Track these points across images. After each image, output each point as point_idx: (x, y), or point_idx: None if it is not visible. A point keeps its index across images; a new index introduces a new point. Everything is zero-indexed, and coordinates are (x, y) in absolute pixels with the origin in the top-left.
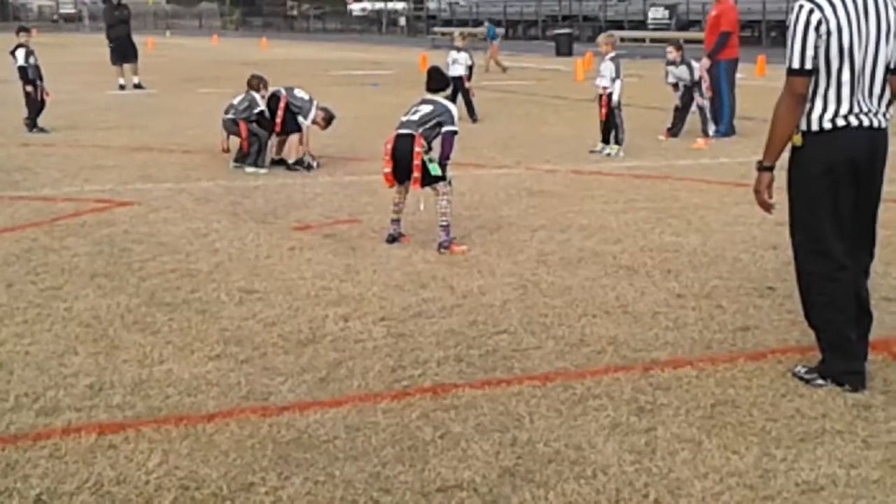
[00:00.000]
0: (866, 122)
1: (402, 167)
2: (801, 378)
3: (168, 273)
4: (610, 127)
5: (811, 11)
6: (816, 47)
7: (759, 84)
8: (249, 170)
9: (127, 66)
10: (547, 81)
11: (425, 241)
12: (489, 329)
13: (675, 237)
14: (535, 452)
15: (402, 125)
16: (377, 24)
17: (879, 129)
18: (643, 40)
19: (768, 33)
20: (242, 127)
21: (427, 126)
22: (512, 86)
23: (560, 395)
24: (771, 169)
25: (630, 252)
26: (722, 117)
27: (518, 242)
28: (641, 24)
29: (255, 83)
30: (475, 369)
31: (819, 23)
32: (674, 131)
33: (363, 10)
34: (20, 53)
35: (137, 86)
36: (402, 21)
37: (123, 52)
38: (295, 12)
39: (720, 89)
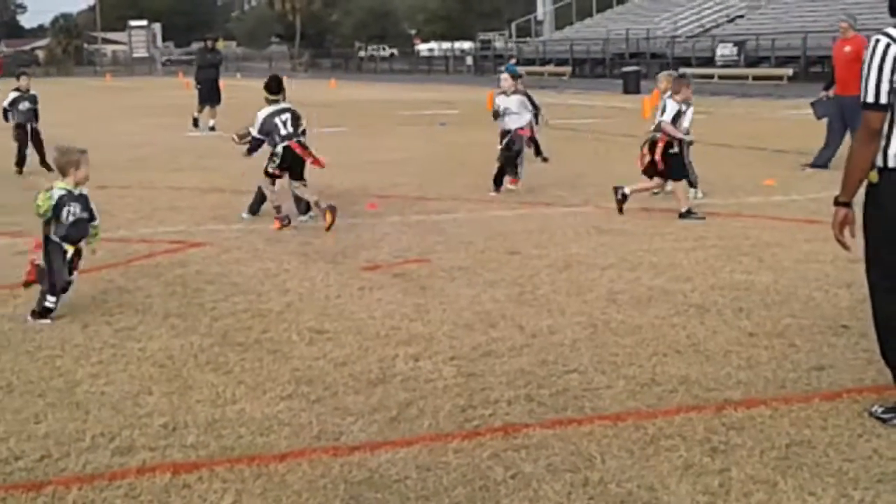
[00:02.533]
0: None
1: None
2: (878, 418)
3: (240, 313)
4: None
5: (888, 46)
6: (892, 82)
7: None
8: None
9: (207, 109)
10: (614, 119)
11: (493, 281)
12: (559, 368)
13: (747, 275)
14: (608, 493)
15: None
16: (444, 64)
17: None
18: (711, 77)
19: None
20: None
21: None
22: (579, 124)
23: (632, 435)
24: (847, 205)
25: (700, 290)
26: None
27: (587, 281)
28: (710, 62)
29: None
30: (546, 409)
31: None
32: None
33: (430, 50)
34: (11, 95)
35: (212, 128)
36: (469, 60)
37: (209, 94)
38: (363, 53)
39: (842, 123)
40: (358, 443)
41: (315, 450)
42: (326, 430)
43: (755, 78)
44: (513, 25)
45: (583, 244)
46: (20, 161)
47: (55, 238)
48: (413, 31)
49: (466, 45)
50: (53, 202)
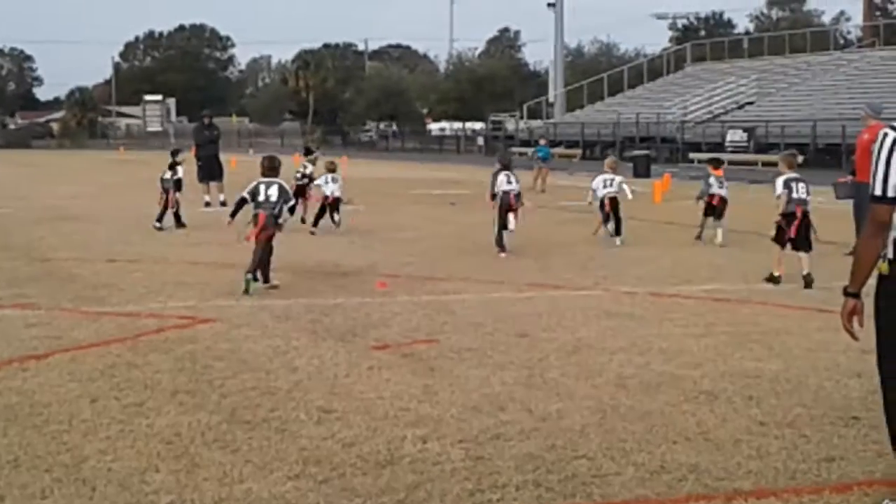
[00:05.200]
0: None
1: None
2: None
3: (248, 391)
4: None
5: (895, 140)
6: None
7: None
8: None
9: (213, 185)
10: (624, 203)
11: (502, 363)
12: (568, 454)
13: (757, 363)
14: None
15: None
16: (455, 144)
17: None
18: (722, 162)
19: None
20: None
21: None
22: (588, 206)
23: None
24: (856, 295)
25: (710, 377)
26: None
27: (597, 365)
28: (719, 147)
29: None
30: (554, 494)
31: None
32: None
33: (441, 129)
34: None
35: (223, 203)
36: (480, 141)
37: (210, 170)
38: (373, 133)
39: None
40: None
41: None
42: None
43: (765, 164)
44: (524, 107)
45: (592, 328)
46: None
47: None
48: (425, 111)
49: (478, 125)
50: None
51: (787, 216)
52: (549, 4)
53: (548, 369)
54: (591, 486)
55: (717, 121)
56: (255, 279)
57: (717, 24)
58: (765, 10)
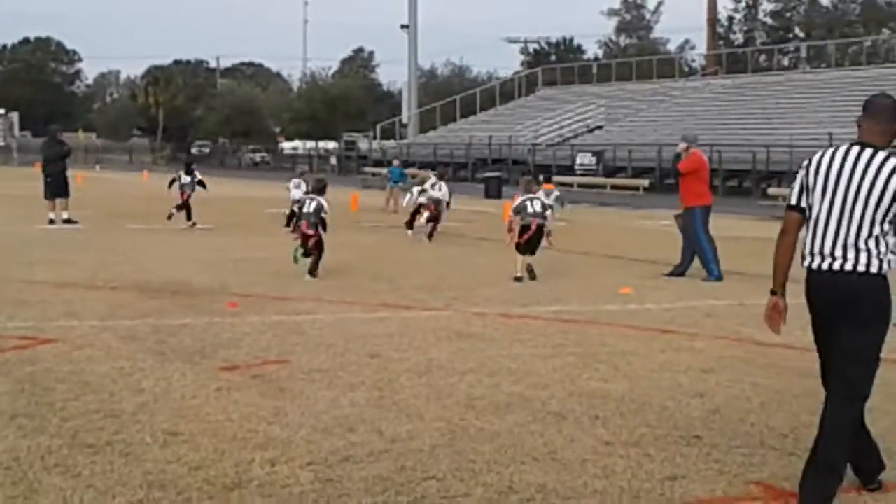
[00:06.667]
0: None
1: None
2: None
3: (91, 413)
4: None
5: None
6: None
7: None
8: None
9: (59, 201)
10: (475, 223)
11: (353, 384)
12: (418, 475)
13: (603, 383)
14: None
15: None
16: (308, 163)
17: None
18: (571, 185)
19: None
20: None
21: None
22: (441, 227)
23: None
24: (775, 293)
25: (558, 398)
26: (707, 263)
27: (447, 386)
28: (570, 169)
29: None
30: None
31: None
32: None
33: (294, 148)
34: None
35: (67, 220)
36: (333, 160)
37: (58, 187)
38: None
39: (697, 236)
40: None
41: None
42: None
43: (613, 187)
44: (378, 127)
45: (443, 348)
46: None
47: None
48: (278, 129)
49: (331, 144)
50: None
51: (524, 228)
52: (402, 26)
53: (398, 390)
54: None
55: (568, 144)
56: (313, 274)
57: (567, 49)
58: (613, 37)
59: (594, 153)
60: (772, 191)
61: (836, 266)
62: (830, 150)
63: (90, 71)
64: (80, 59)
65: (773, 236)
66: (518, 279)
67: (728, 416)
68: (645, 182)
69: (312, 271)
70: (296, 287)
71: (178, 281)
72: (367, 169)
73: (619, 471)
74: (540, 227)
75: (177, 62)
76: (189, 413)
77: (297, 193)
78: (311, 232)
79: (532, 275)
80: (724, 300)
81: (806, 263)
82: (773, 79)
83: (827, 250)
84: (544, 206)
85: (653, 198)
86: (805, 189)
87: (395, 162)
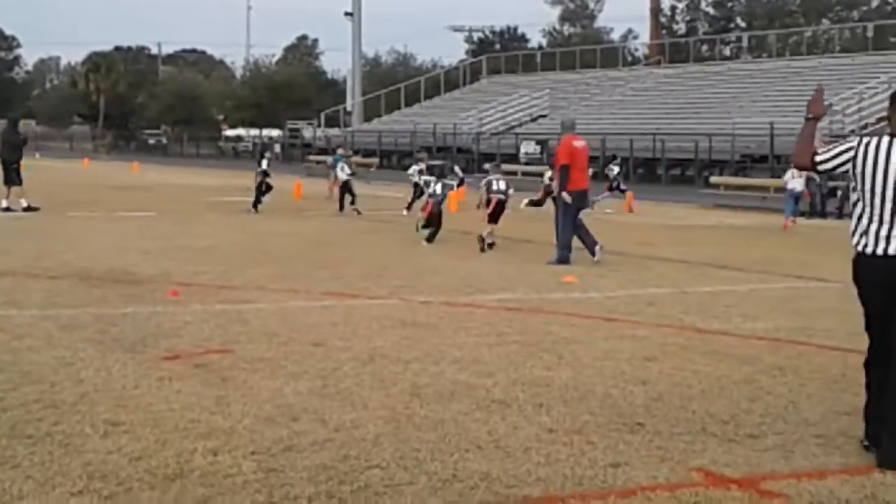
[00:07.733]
0: None
1: None
2: None
3: (30, 404)
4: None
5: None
6: None
7: (627, 220)
8: None
9: (15, 189)
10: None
11: (296, 373)
12: (361, 464)
13: (547, 371)
14: None
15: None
16: (251, 151)
17: None
18: (516, 173)
19: (667, 172)
20: None
21: None
22: (385, 215)
23: None
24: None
25: (502, 385)
26: (559, 243)
27: (391, 374)
28: (514, 158)
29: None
30: None
31: None
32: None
33: (238, 136)
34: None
35: (28, 208)
36: (277, 148)
37: (17, 175)
38: (165, 139)
39: (564, 217)
40: None
41: None
42: None
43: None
44: (322, 115)
45: (387, 337)
46: None
47: None
48: (220, 117)
49: (275, 132)
50: None
51: (489, 202)
52: (346, 13)
53: (342, 379)
54: (384, 497)
55: (512, 132)
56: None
57: (511, 37)
58: (557, 26)
59: (538, 142)
60: (714, 179)
61: (892, 251)
62: (876, 139)
63: (29, 57)
64: (19, 45)
65: (714, 225)
66: (490, 245)
67: (670, 403)
68: (589, 171)
69: (430, 239)
70: (239, 276)
71: (120, 269)
72: (312, 157)
73: (562, 458)
74: (501, 203)
75: (118, 48)
76: (130, 403)
77: (416, 176)
78: (437, 210)
79: (482, 247)
80: (666, 288)
81: (860, 248)
82: (715, 68)
83: (883, 234)
84: (508, 185)
85: (597, 186)
86: (844, 162)
87: (340, 150)
